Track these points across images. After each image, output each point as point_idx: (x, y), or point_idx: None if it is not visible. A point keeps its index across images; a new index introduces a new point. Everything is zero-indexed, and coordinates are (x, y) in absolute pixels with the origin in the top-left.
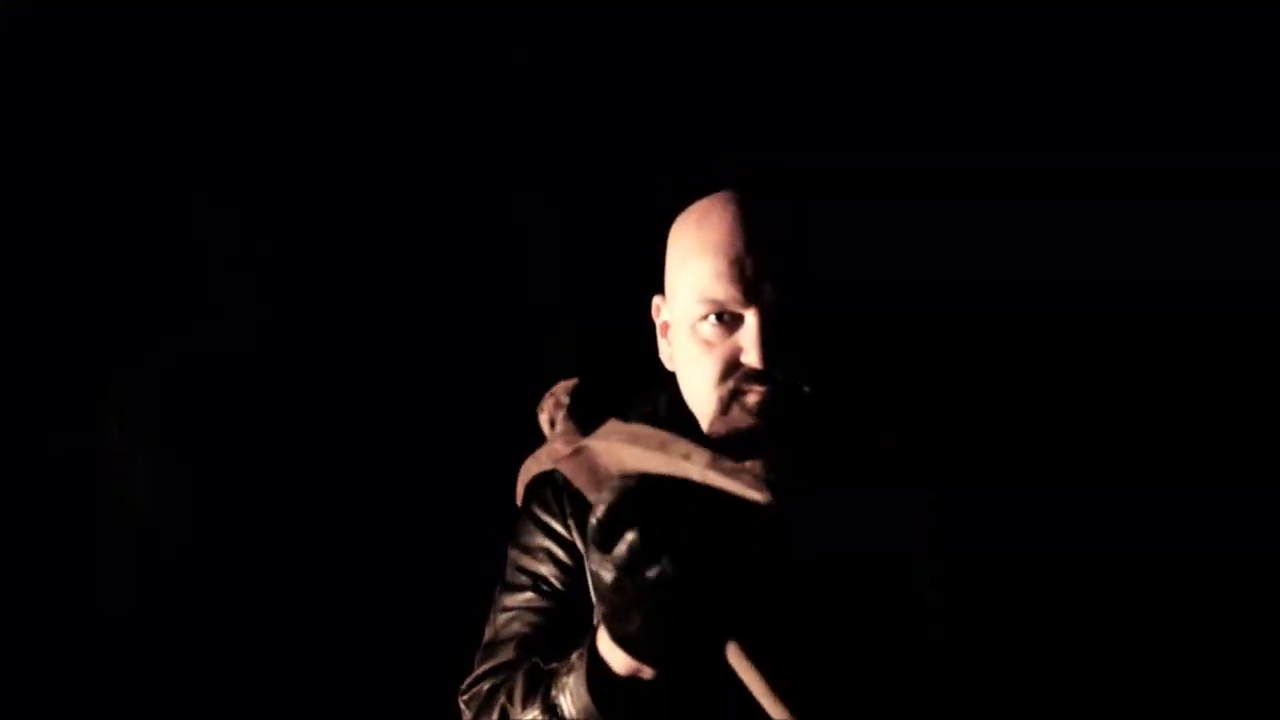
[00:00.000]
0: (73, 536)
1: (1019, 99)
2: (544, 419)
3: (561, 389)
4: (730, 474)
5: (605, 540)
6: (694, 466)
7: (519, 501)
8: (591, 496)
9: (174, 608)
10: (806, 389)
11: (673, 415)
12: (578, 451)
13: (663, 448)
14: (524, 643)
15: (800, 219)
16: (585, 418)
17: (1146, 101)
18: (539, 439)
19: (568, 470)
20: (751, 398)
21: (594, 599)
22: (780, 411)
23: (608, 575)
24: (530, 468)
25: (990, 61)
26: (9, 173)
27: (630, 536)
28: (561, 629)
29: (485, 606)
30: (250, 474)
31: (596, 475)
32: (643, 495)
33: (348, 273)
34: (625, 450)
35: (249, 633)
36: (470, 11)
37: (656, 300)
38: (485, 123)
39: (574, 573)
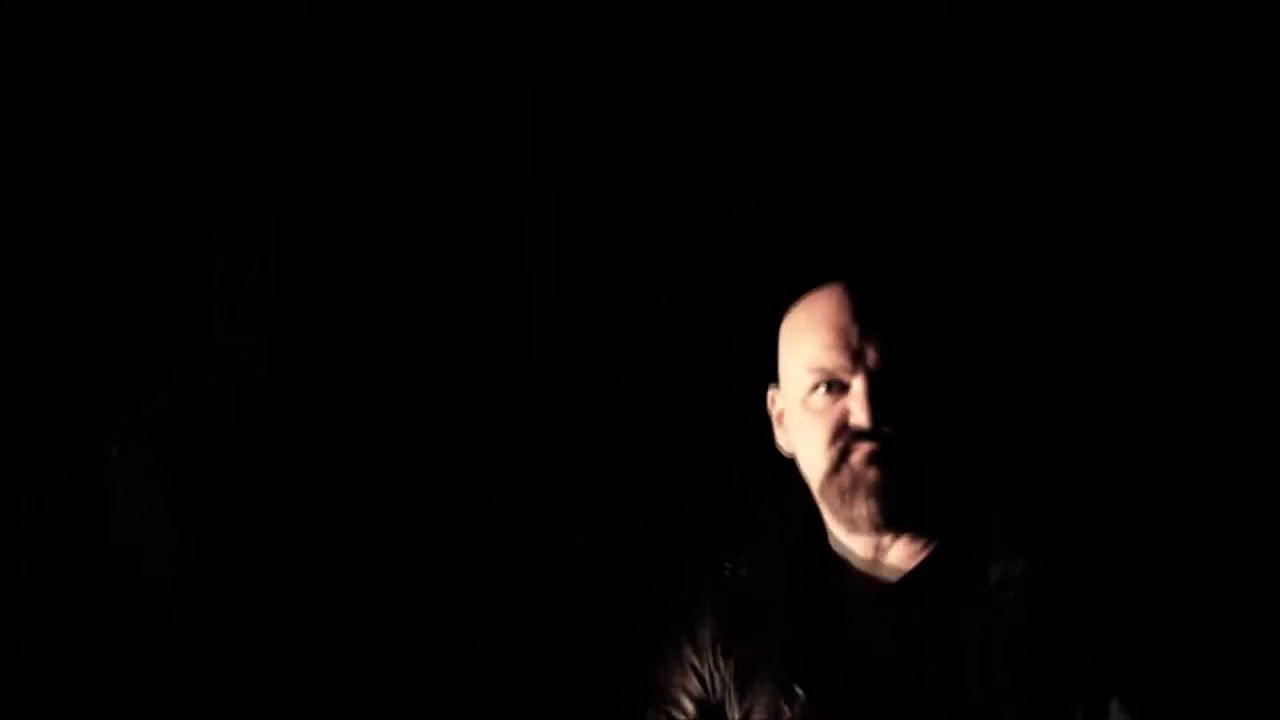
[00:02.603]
0: (69, 563)
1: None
2: None
3: None
4: None
5: None
6: None
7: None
8: None
9: (171, 642)
10: (915, 446)
11: (805, 521)
12: None
13: None
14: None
15: (906, 299)
16: None
17: None
18: None
19: None
20: (859, 454)
21: None
22: (889, 464)
23: None
24: None
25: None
26: (12, 190)
27: None
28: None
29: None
30: (247, 502)
31: None
32: None
33: (358, 302)
34: None
35: (244, 660)
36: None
37: (771, 392)
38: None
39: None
